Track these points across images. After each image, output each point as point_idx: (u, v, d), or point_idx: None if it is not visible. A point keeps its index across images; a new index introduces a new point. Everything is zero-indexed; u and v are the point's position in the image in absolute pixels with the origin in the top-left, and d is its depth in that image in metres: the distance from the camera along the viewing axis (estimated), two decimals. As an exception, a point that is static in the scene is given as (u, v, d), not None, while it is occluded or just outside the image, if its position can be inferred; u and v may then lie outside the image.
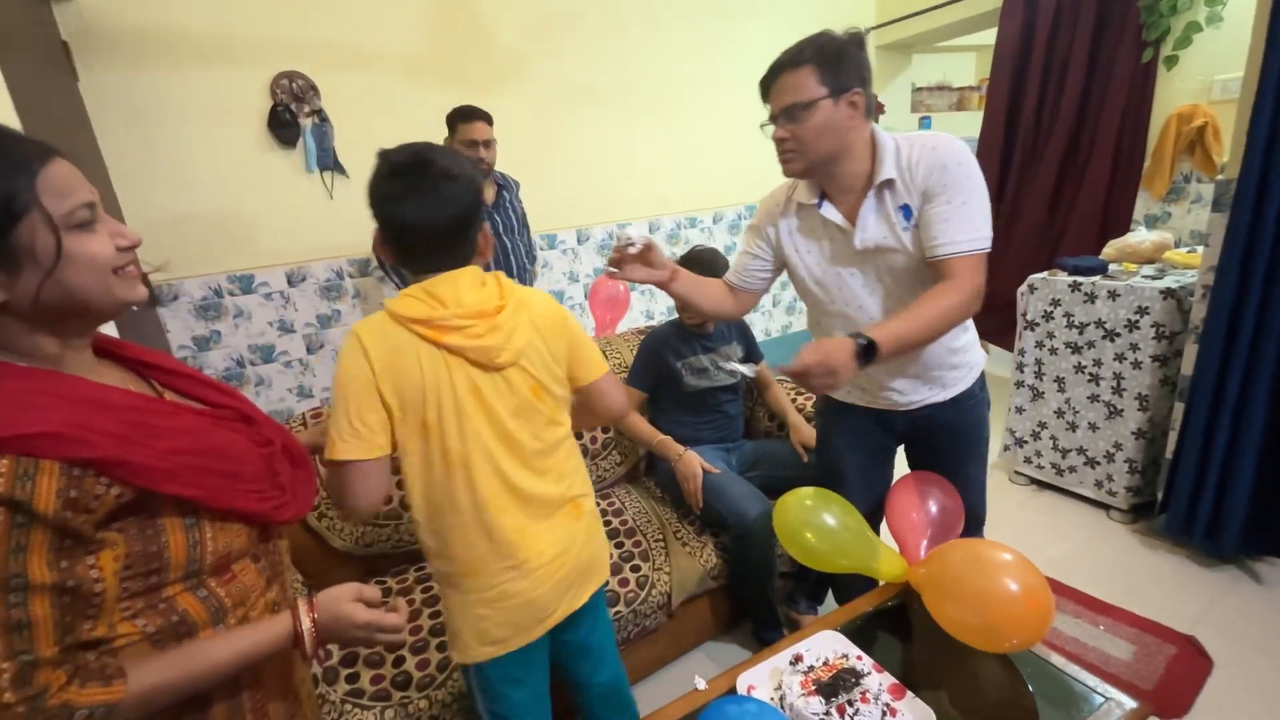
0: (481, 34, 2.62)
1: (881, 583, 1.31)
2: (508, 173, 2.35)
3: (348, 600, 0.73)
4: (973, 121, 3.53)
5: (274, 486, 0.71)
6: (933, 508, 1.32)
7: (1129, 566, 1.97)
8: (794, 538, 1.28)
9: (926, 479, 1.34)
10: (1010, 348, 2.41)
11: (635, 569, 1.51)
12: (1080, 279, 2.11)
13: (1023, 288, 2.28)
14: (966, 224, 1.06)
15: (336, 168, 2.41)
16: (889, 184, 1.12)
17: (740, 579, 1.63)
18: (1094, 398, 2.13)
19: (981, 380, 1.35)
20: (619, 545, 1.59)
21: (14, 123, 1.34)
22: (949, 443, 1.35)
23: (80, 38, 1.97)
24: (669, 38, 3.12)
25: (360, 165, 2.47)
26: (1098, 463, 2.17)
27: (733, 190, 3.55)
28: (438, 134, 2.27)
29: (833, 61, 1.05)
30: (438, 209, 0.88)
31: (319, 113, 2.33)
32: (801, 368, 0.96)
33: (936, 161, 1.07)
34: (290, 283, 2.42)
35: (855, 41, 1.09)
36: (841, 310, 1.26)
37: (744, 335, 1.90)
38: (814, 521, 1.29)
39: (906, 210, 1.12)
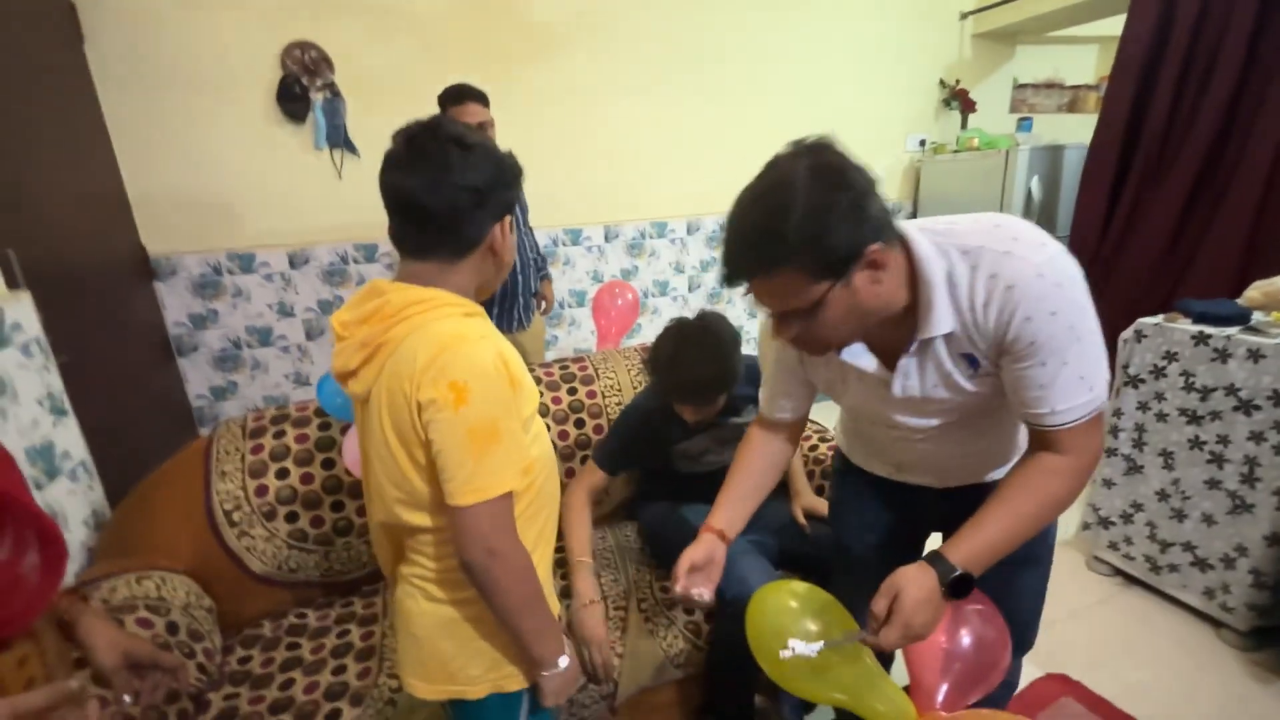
0: (512, 8, 2.41)
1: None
2: (527, 159, 2.13)
3: None
4: (1085, 126, 2.99)
5: None
6: (965, 638, 0.98)
7: (1242, 708, 1.51)
8: (769, 646, 0.98)
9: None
10: (1104, 404, 1.95)
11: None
12: (1209, 329, 1.64)
13: (1127, 333, 1.82)
14: (1072, 388, 0.74)
15: (347, 146, 2.27)
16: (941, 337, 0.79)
17: (720, 669, 1.32)
18: (1214, 483, 1.66)
19: None
20: (568, 608, 1.32)
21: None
22: None
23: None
24: (721, 23, 2.79)
25: (372, 144, 2.32)
26: (1211, 566, 1.70)
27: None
28: (450, 114, 2.09)
29: (820, 240, 0.67)
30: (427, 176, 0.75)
31: (331, 87, 2.20)
32: (877, 643, 0.79)
33: (1017, 311, 0.71)
34: (292, 264, 2.31)
35: (832, 175, 0.68)
36: (886, 422, 0.96)
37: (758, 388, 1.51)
38: (796, 629, 0.99)
39: (972, 360, 0.80)
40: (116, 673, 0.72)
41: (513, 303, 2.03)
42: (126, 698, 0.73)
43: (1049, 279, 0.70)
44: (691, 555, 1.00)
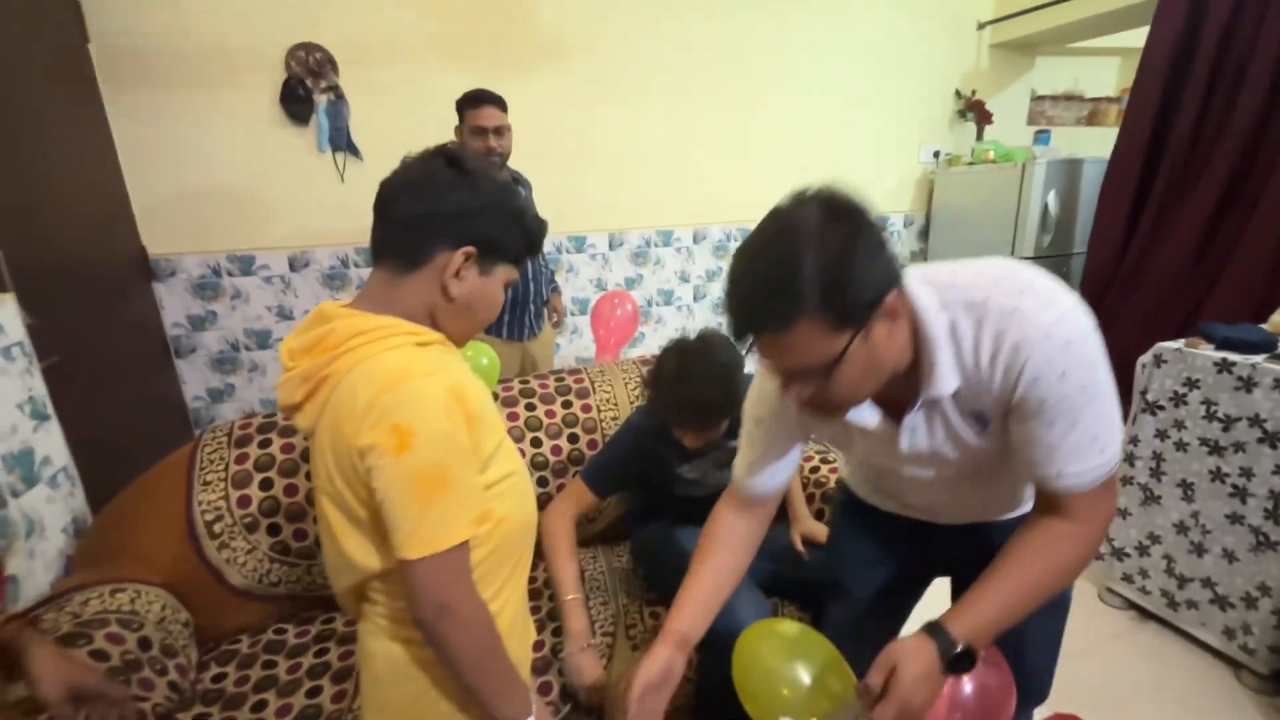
0: (519, 10, 2.38)
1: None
2: (529, 165, 2.10)
3: None
4: (1105, 139, 2.91)
5: None
6: (966, 684, 0.92)
7: (1263, 758, 1.43)
8: (755, 686, 0.93)
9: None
10: (1120, 430, 1.88)
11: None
12: (1233, 356, 1.57)
13: (1146, 357, 1.75)
14: (1084, 449, 0.69)
15: (349, 149, 2.25)
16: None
17: (708, 701, 1.27)
18: (1236, 518, 1.59)
19: None
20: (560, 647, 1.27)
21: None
22: None
23: (94, -3, 1.89)
24: (730, 30, 2.75)
25: (374, 148, 2.30)
26: (1231, 605, 1.62)
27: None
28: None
29: (842, 284, 0.60)
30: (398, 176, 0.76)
31: (335, 89, 2.18)
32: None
33: (1024, 371, 0.66)
34: (292, 267, 2.29)
35: (849, 214, 0.62)
36: (896, 472, 0.90)
37: None
38: (787, 673, 0.94)
39: (980, 417, 0.75)
40: (60, 705, 0.69)
41: (523, 310, 2.00)
42: None
43: (1057, 339, 0.65)
44: (645, 675, 0.86)
